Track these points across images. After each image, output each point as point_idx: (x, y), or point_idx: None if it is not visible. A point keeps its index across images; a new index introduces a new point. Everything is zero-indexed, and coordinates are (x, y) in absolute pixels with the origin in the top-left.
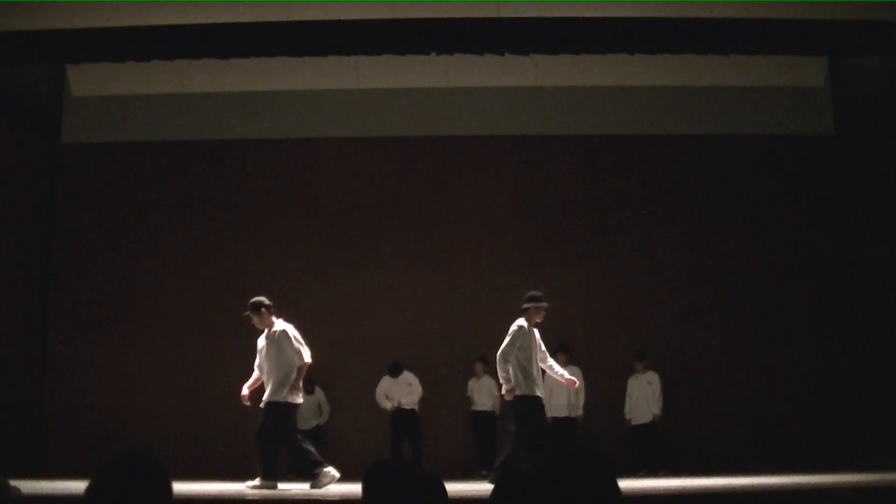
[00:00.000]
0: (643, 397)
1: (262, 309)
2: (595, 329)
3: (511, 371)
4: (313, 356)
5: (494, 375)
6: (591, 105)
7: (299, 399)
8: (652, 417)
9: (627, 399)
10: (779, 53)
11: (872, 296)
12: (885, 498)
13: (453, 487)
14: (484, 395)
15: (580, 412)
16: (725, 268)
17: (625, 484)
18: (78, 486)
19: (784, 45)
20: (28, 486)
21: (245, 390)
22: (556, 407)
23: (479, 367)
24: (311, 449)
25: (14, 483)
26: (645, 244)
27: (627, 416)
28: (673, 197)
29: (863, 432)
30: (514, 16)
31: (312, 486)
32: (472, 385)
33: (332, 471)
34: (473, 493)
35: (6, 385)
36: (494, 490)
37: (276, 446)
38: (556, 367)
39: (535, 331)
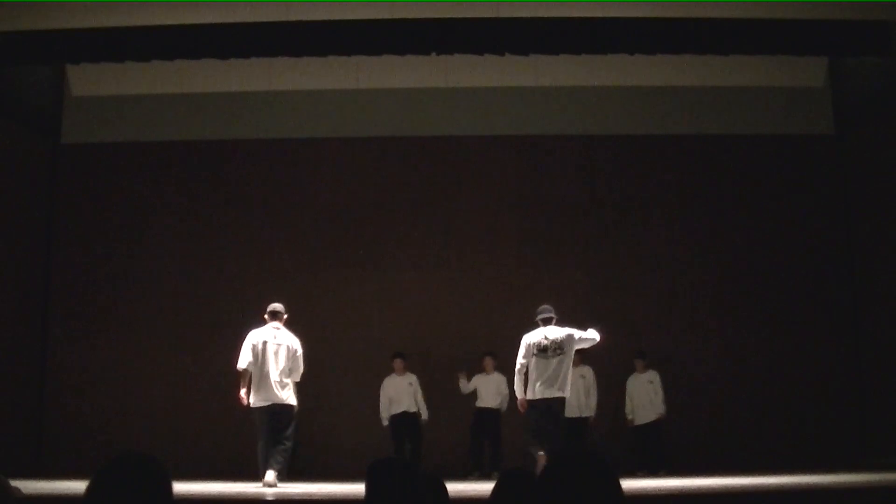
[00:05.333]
0: (646, 397)
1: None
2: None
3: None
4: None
5: (504, 372)
6: (591, 105)
7: (251, 402)
8: (657, 416)
9: (628, 399)
10: (779, 53)
11: (873, 296)
12: (885, 498)
13: (453, 487)
14: (492, 391)
15: (592, 413)
16: (725, 268)
17: (625, 484)
18: (78, 486)
19: (784, 45)
20: (28, 486)
21: None
22: (567, 407)
23: (488, 361)
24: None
25: (14, 483)
26: (645, 244)
27: (630, 417)
28: (673, 197)
29: (863, 432)
30: (513, 16)
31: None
32: (479, 380)
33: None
34: (473, 493)
35: (6, 385)
36: (495, 489)
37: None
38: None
39: None
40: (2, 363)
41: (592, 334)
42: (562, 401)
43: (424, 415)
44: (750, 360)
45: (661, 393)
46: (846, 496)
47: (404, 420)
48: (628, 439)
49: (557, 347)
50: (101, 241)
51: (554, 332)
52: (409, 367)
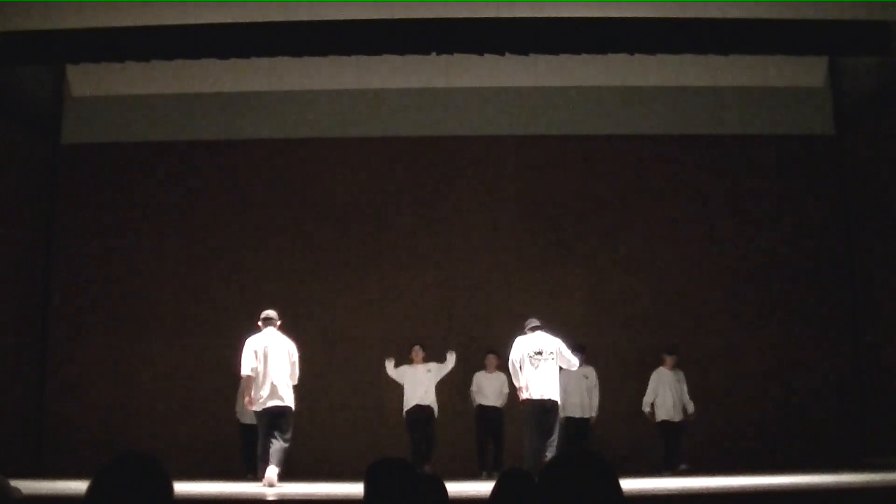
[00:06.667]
0: (676, 395)
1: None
2: (594, 329)
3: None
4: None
5: (504, 370)
6: (591, 105)
7: (250, 407)
8: (684, 416)
9: (652, 393)
10: (779, 53)
11: (873, 296)
12: (885, 498)
13: (453, 487)
14: (495, 389)
15: (594, 413)
16: (725, 268)
17: (627, 484)
18: (78, 486)
19: (784, 45)
20: (28, 486)
21: None
22: (571, 407)
23: (491, 359)
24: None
25: (14, 483)
26: (645, 244)
27: (648, 410)
28: (673, 197)
29: (863, 432)
30: (514, 16)
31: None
32: (481, 378)
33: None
34: (473, 493)
35: (6, 385)
36: (495, 489)
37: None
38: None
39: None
40: (2, 363)
41: (573, 359)
42: (555, 403)
43: (434, 409)
44: (750, 360)
45: (686, 393)
46: (846, 496)
47: (416, 415)
48: (629, 437)
49: (550, 353)
50: (101, 241)
51: (546, 339)
52: (426, 359)
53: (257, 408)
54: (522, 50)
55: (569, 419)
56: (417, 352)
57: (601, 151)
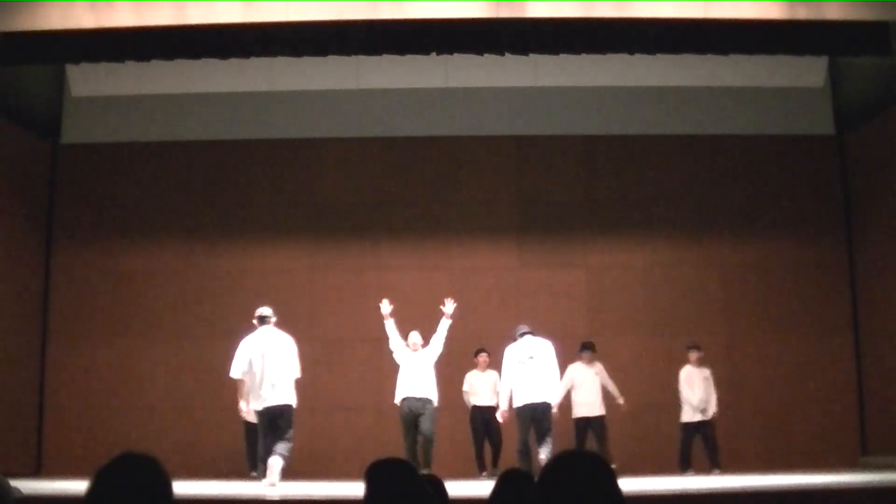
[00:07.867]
0: (704, 390)
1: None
2: (594, 329)
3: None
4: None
5: (495, 368)
6: (591, 105)
7: (252, 406)
8: (714, 413)
9: (690, 395)
10: (779, 53)
11: (873, 296)
12: (885, 498)
13: (453, 487)
14: (488, 388)
15: (621, 399)
16: (725, 268)
17: (630, 484)
18: (78, 486)
19: (784, 45)
20: (28, 486)
21: None
22: (583, 406)
23: (482, 359)
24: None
25: (14, 483)
26: (645, 244)
27: (698, 410)
28: (673, 197)
29: (863, 432)
30: (513, 16)
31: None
32: (473, 378)
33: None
34: (473, 493)
35: (6, 385)
36: (495, 489)
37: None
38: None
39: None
40: (2, 363)
41: (558, 379)
42: (549, 405)
43: (434, 399)
44: (750, 360)
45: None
46: (846, 496)
47: (410, 405)
48: (626, 437)
49: (542, 356)
50: (101, 241)
51: (537, 343)
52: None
53: (257, 407)
54: (522, 50)
55: (577, 420)
56: (416, 337)
57: (601, 151)
